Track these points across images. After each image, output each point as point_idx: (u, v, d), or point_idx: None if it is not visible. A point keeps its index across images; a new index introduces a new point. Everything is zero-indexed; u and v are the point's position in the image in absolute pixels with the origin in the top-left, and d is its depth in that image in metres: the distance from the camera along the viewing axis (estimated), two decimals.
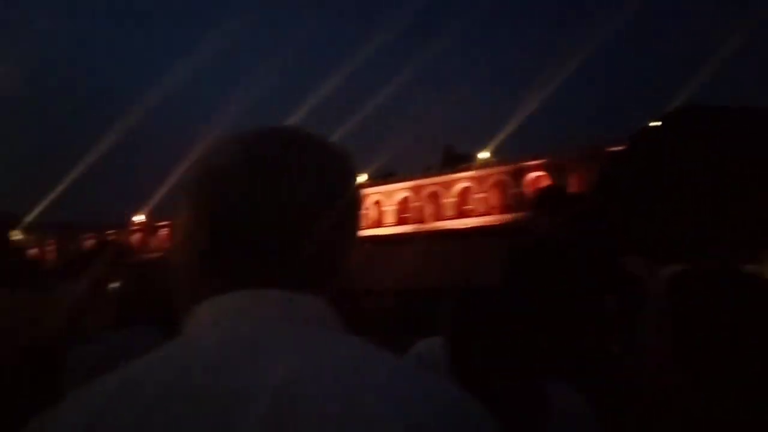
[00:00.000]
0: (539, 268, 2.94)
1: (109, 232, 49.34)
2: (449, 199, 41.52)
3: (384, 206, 43.11)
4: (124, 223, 48.29)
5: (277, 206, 0.70)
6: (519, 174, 39.10)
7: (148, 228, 48.96)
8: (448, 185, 41.92)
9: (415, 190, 42.83)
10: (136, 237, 49.57)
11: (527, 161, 39.24)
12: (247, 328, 0.65)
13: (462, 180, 41.70)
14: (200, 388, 0.59)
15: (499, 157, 42.76)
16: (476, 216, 38.65)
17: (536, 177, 37.83)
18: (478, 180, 40.98)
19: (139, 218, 48.72)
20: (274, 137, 0.76)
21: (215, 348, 0.63)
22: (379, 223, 41.24)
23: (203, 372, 0.60)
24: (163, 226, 46.99)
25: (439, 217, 40.40)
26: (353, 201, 0.77)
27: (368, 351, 0.65)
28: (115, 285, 2.08)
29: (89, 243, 49.37)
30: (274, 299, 0.68)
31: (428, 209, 41.76)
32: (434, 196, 42.22)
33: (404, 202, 43.16)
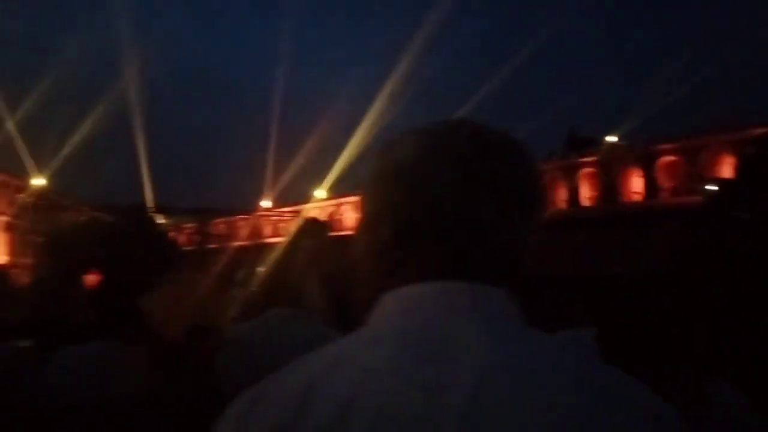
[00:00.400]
0: (741, 258, 2.69)
1: (239, 216, 52.61)
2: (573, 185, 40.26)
3: None
4: (253, 209, 51.10)
5: (465, 199, 0.70)
6: (651, 158, 37.16)
7: (273, 213, 51.56)
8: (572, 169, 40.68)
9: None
10: (263, 222, 52.47)
11: (660, 144, 37.16)
12: (438, 319, 0.65)
13: (588, 164, 40.29)
14: (400, 375, 0.61)
15: (628, 141, 40.61)
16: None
17: (670, 161, 36.01)
18: (604, 165, 39.38)
19: (266, 203, 51.33)
20: (457, 130, 0.76)
21: (407, 337, 0.64)
22: None
23: (401, 359, 0.62)
24: (287, 212, 49.31)
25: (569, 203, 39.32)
26: (536, 191, 0.76)
27: (557, 346, 0.65)
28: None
29: (221, 227, 53.01)
30: (464, 291, 0.68)
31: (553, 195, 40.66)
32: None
33: None
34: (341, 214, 51.90)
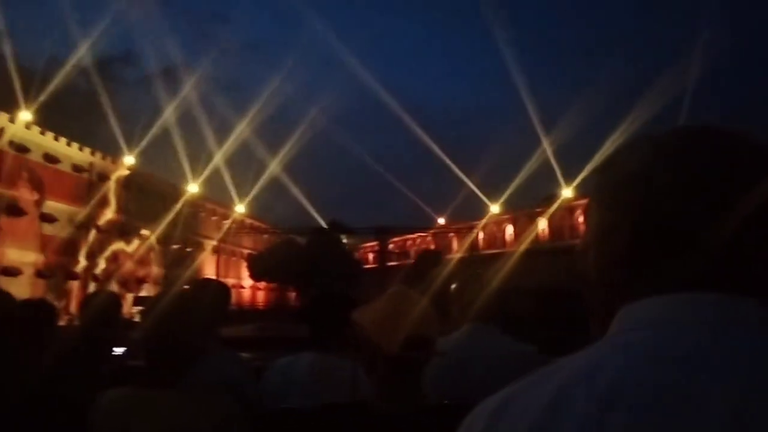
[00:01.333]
0: None
1: (417, 234, 53.82)
2: None
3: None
4: (431, 225, 52.05)
5: (706, 208, 0.67)
6: None
7: (448, 230, 52.04)
8: None
9: None
10: (437, 239, 53.18)
11: None
12: (690, 330, 0.63)
13: None
14: (655, 384, 0.59)
15: None
16: None
17: None
18: None
19: (441, 221, 52.01)
20: (695, 136, 0.73)
21: (658, 348, 0.63)
22: None
23: (656, 369, 0.61)
24: (459, 229, 49.45)
25: None
26: None
27: None
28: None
29: (399, 244, 54.61)
30: (715, 301, 0.65)
31: None
32: None
33: None
34: (518, 229, 50.92)
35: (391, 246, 50.86)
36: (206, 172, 41.18)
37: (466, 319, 2.24)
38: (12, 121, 26.29)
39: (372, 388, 1.64)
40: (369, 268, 44.80)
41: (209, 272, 39.28)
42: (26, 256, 27.10)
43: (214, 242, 44.95)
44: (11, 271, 25.69)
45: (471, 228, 48.22)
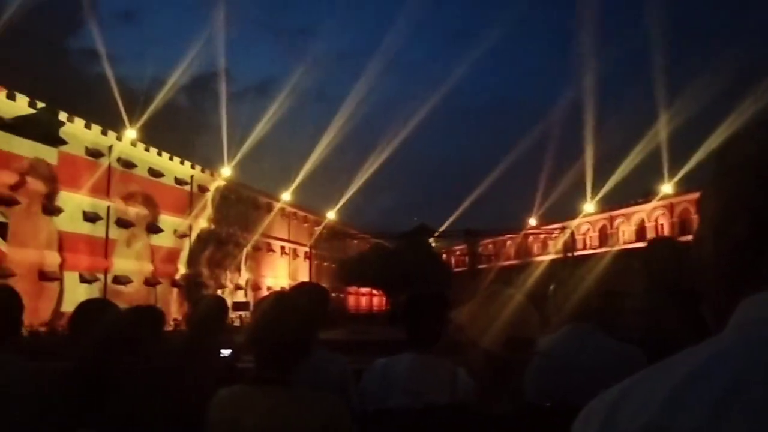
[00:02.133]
0: None
1: (507, 236, 52.96)
2: None
3: None
4: (520, 227, 51.07)
5: None
6: None
7: (539, 231, 50.82)
8: None
9: None
10: (529, 240, 52.04)
11: None
12: None
13: None
14: None
15: None
16: None
17: None
18: None
19: (532, 221, 50.88)
20: None
21: None
22: None
23: None
24: (555, 229, 48.16)
25: None
26: None
27: None
28: None
29: (489, 247, 53.92)
30: None
31: None
32: None
33: None
34: (614, 228, 48.95)
35: (481, 249, 50.29)
36: (298, 180, 42.42)
37: (565, 319, 2.19)
38: (119, 139, 28.20)
39: (473, 388, 1.63)
40: (459, 271, 44.53)
41: (302, 278, 40.38)
42: (136, 266, 28.97)
43: (306, 248, 46.19)
44: (123, 280, 27.54)
45: (564, 228, 46.86)
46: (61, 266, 24.36)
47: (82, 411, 2.10)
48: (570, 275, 2.34)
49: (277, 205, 42.34)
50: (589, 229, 51.19)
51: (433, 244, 41.27)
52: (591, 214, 47.50)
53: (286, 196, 42.61)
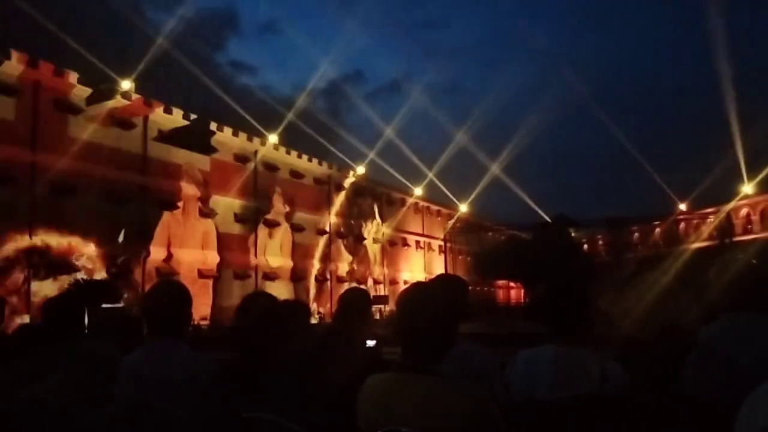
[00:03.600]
0: None
1: (654, 223, 49.62)
2: None
3: None
4: (669, 213, 47.59)
5: None
6: None
7: (691, 217, 47.04)
8: None
9: None
10: (679, 227, 48.35)
11: None
12: None
13: None
14: None
15: None
16: None
17: None
18: None
19: (682, 206, 47.19)
20: None
21: None
22: None
23: None
24: (707, 214, 44.39)
25: None
26: None
27: None
28: None
29: (634, 236, 50.85)
30: None
31: None
32: None
33: None
34: None
35: (625, 237, 47.55)
36: (432, 174, 42.70)
37: (727, 307, 2.04)
38: (263, 144, 30.05)
39: (622, 379, 1.58)
40: (601, 261, 42.46)
41: (438, 271, 40.58)
42: (282, 262, 30.76)
43: (439, 242, 46.38)
44: (271, 276, 29.36)
45: (718, 212, 43.01)
46: (219, 265, 26.44)
47: (245, 395, 2.29)
48: (731, 261, 2.18)
49: (410, 200, 42.90)
50: (749, 213, 46.60)
51: (573, 234, 39.65)
52: (750, 196, 43.15)
53: (419, 190, 43.01)
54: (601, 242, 52.71)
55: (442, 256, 45.56)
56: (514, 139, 47.96)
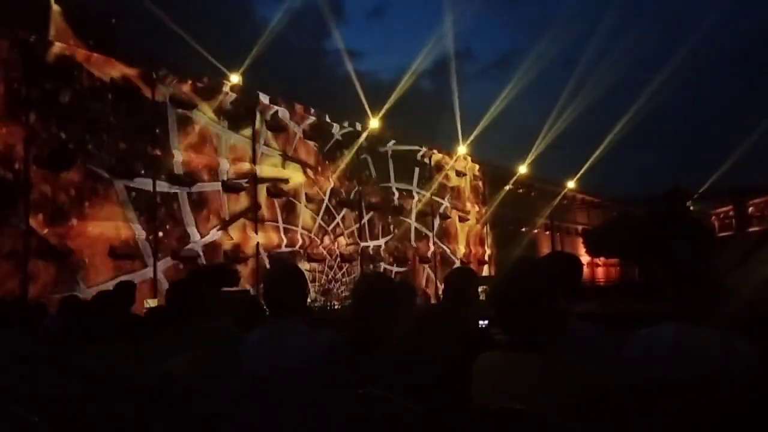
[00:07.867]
0: None
1: None
2: None
3: None
4: None
5: None
6: None
7: None
8: None
9: None
10: None
11: None
12: None
13: None
14: None
15: None
16: None
17: None
18: None
19: None
20: None
21: None
22: None
23: None
24: None
25: None
26: None
27: None
28: None
29: (761, 207, 46.91)
30: None
31: None
32: None
33: None
34: None
35: (751, 209, 44.08)
36: (538, 150, 41.52)
37: None
38: (364, 129, 30.36)
39: (749, 358, 1.49)
40: (724, 236, 39.61)
41: (545, 250, 39.50)
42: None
43: (546, 220, 45.09)
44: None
45: None
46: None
47: (359, 373, 2.37)
48: None
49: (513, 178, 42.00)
50: None
51: (691, 208, 37.25)
52: None
53: (523, 168, 41.94)
54: (722, 215, 49.15)
55: (549, 234, 44.25)
56: (631, 110, 45.38)
